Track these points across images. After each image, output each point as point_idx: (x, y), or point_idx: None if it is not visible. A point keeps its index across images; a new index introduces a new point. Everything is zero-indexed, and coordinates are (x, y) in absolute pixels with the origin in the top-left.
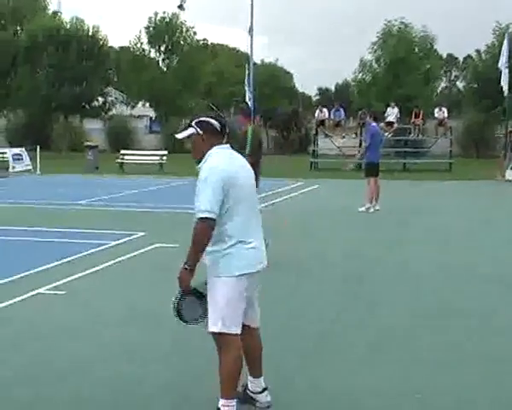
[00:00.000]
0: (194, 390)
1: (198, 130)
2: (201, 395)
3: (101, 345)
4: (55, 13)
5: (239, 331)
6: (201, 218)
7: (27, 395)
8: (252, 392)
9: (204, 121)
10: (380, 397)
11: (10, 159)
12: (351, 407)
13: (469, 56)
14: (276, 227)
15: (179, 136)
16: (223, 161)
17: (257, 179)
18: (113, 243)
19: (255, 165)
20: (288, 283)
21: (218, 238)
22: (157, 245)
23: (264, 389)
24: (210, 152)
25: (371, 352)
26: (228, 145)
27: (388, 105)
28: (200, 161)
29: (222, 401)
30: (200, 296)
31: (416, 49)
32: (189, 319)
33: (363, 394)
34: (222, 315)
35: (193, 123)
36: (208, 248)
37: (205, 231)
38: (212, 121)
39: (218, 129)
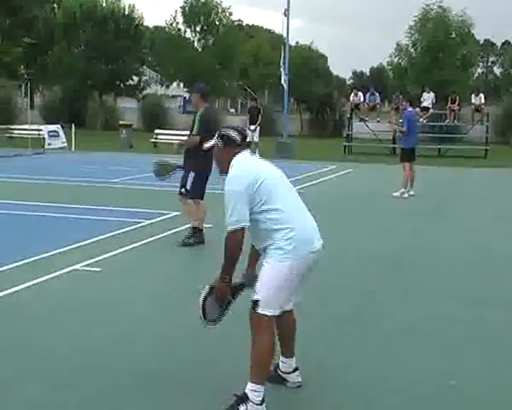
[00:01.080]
0: (227, 368)
1: (219, 143)
2: (235, 373)
3: (138, 321)
4: None
5: (275, 314)
6: (229, 231)
7: (63, 369)
8: (283, 372)
9: (225, 135)
10: (414, 384)
11: (46, 136)
12: (384, 390)
13: (507, 42)
14: (309, 210)
15: (205, 146)
16: (242, 167)
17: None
18: (147, 221)
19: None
20: (321, 264)
21: (266, 234)
22: (191, 224)
23: (296, 369)
24: (232, 163)
25: (405, 337)
26: (247, 150)
27: (424, 90)
28: (223, 172)
29: (250, 385)
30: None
31: (454, 34)
32: (209, 319)
33: (397, 379)
34: (262, 296)
35: (216, 135)
36: (260, 246)
37: (235, 243)
38: (233, 134)
39: (239, 142)
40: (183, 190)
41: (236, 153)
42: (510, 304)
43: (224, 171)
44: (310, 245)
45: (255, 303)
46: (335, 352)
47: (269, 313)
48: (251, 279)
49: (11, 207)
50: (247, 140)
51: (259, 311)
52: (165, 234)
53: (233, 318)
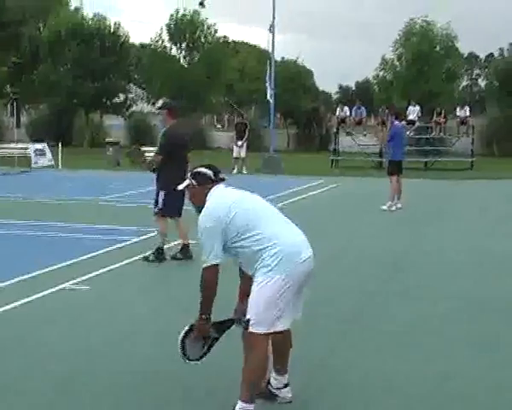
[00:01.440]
0: (219, 386)
1: (193, 182)
2: (226, 392)
3: (128, 338)
4: (77, 9)
5: (267, 332)
6: (203, 268)
7: (44, 390)
8: (274, 388)
9: (198, 173)
10: (414, 384)
11: (32, 154)
12: (385, 390)
13: (491, 55)
14: (298, 224)
15: (179, 187)
16: (213, 203)
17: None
18: (136, 238)
19: (170, 164)
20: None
21: (252, 257)
22: (179, 241)
23: (286, 385)
24: (206, 199)
25: (405, 337)
26: (222, 183)
27: (409, 103)
28: (200, 209)
29: (239, 405)
30: (207, 337)
31: (438, 47)
32: (191, 357)
33: (398, 379)
34: (252, 314)
35: (188, 175)
36: (252, 271)
37: (208, 279)
38: (205, 171)
39: (212, 177)
40: (156, 209)
41: (210, 188)
42: (509, 304)
43: (200, 208)
44: (297, 256)
45: (247, 322)
46: (336, 352)
47: (261, 331)
48: (241, 315)
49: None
50: (221, 176)
51: (251, 329)
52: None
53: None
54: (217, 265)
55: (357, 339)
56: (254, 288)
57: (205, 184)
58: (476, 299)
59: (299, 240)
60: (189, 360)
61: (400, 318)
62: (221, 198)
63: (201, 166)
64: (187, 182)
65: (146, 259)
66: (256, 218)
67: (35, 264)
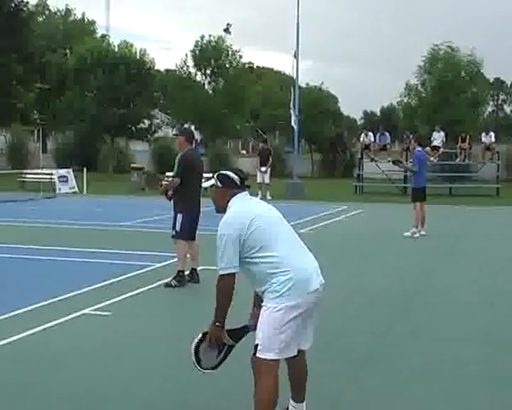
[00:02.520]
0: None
1: (218, 183)
2: None
3: (146, 366)
4: (103, 36)
5: (276, 358)
6: (220, 275)
7: None
8: None
9: (224, 175)
10: None
11: (56, 181)
12: None
13: None
14: (319, 251)
15: (204, 185)
16: (236, 212)
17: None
18: (158, 264)
19: (187, 187)
20: (332, 305)
21: (262, 279)
22: (202, 267)
23: None
24: (229, 204)
25: (418, 379)
26: (246, 192)
27: (434, 129)
28: (220, 211)
29: None
30: (222, 346)
31: (463, 74)
32: (205, 366)
33: None
34: (260, 340)
35: (215, 175)
36: (259, 290)
37: (224, 288)
38: (232, 175)
39: (238, 183)
40: (173, 232)
41: (234, 194)
42: None
43: (220, 210)
44: (307, 286)
45: (255, 348)
46: (347, 395)
47: (269, 357)
48: (256, 321)
49: (22, 251)
50: (246, 183)
51: (259, 355)
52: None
53: (244, 360)
54: (233, 274)
55: (368, 382)
56: (263, 313)
57: (229, 187)
58: (489, 340)
59: (311, 269)
60: (203, 368)
61: (412, 360)
62: (244, 208)
63: (229, 169)
64: (212, 181)
65: (168, 285)
66: (273, 239)
67: (57, 289)
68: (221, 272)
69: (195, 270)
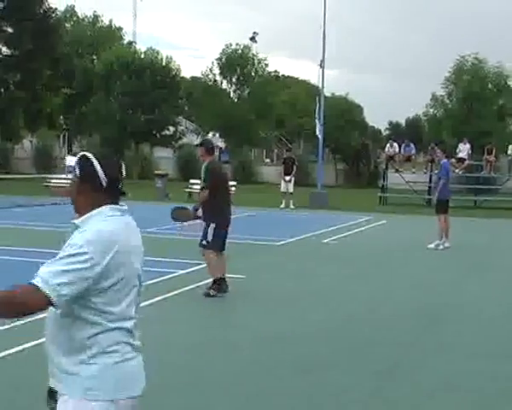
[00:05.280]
0: None
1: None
2: None
3: (171, 372)
4: (130, 43)
5: None
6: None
7: None
8: None
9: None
10: None
11: None
12: None
13: None
14: (343, 261)
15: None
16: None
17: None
18: (182, 271)
19: (216, 197)
20: (357, 317)
21: None
22: (226, 275)
23: None
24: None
25: (443, 393)
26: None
27: (460, 141)
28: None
29: None
30: None
31: (490, 85)
32: None
33: None
34: None
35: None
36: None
37: None
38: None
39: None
40: (204, 242)
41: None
42: None
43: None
44: None
45: None
46: (372, 407)
47: None
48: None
49: (47, 255)
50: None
51: None
52: (200, 283)
53: (255, 373)
54: None
55: (392, 394)
56: None
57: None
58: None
59: None
60: None
61: (438, 372)
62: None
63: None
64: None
65: (208, 295)
66: None
67: None
68: None
69: (224, 279)
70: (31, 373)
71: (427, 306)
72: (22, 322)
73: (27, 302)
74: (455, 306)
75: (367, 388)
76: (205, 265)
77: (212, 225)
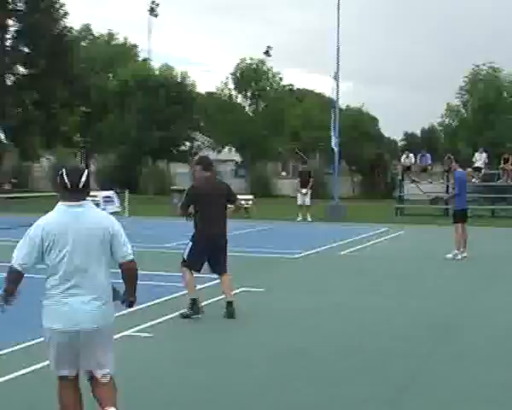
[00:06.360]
0: None
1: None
2: None
3: (186, 389)
4: (144, 60)
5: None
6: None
7: None
8: None
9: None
10: None
11: (101, 201)
12: None
13: None
14: (361, 273)
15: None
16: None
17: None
18: (199, 286)
19: (196, 215)
20: (373, 327)
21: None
22: (243, 289)
23: None
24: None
25: (458, 403)
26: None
27: (476, 150)
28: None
29: None
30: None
31: (505, 94)
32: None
33: None
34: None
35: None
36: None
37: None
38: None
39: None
40: (183, 257)
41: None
42: None
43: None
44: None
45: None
46: None
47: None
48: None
49: None
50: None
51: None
52: (217, 298)
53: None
54: None
55: (408, 406)
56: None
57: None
58: None
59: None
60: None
61: (454, 383)
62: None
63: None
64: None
65: (183, 316)
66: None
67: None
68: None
69: (230, 303)
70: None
71: (443, 316)
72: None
73: None
74: (471, 316)
75: (384, 400)
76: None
77: (190, 243)
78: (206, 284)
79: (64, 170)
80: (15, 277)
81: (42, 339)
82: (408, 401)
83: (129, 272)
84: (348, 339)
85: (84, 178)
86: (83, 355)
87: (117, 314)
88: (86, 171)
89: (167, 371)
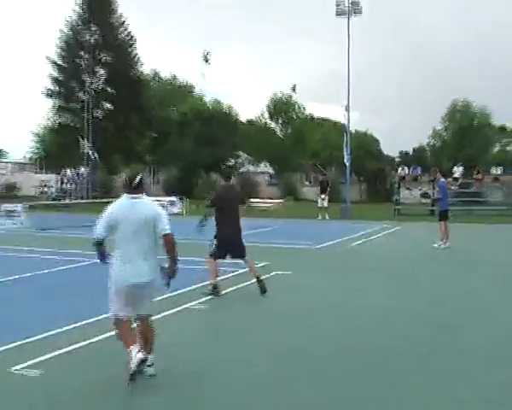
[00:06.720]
0: None
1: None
2: None
3: (240, 350)
4: (200, 96)
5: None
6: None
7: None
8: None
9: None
10: None
11: (166, 204)
12: None
13: None
14: (366, 261)
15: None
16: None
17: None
18: (242, 270)
19: (223, 213)
20: (370, 330)
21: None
22: (277, 272)
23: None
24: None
25: (457, 404)
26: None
27: (455, 164)
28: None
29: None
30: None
31: (476, 122)
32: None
33: None
34: None
35: None
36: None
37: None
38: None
39: (127, 183)
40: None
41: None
42: None
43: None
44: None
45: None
46: None
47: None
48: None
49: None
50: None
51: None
52: (245, 284)
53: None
54: None
55: (408, 405)
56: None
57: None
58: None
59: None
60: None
61: (453, 384)
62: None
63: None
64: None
65: (205, 293)
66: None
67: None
68: (171, 232)
69: (259, 279)
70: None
71: (442, 315)
72: None
73: None
74: (457, 294)
75: (383, 399)
76: (259, 265)
77: (214, 240)
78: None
79: (125, 175)
80: (97, 243)
81: (106, 314)
82: (407, 399)
83: (167, 243)
84: (345, 337)
85: (137, 181)
86: (137, 302)
87: (179, 291)
88: (139, 176)
89: (223, 334)
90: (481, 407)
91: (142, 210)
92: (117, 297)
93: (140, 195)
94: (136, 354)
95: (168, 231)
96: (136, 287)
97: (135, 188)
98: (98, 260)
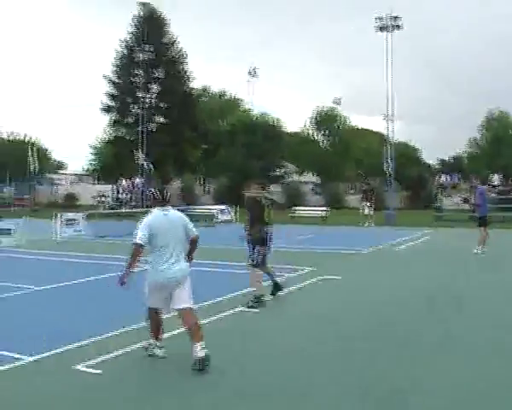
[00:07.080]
0: None
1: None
2: None
3: (284, 354)
4: (248, 110)
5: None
6: (197, 234)
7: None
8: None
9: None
10: None
11: (218, 213)
12: None
13: None
14: (413, 261)
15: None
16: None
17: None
18: (287, 274)
19: (253, 216)
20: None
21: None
22: (325, 277)
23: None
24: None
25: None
26: (161, 207)
27: (492, 172)
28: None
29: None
30: None
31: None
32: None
33: None
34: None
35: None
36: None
37: (134, 251)
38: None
39: (160, 197)
40: (252, 262)
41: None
42: None
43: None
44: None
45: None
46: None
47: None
48: None
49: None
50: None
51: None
52: (304, 284)
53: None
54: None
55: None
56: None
57: (154, 201)
58: None
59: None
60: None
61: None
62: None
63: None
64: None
65: (249, 307)
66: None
67: (222, 291)
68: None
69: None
70: None
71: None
72: None
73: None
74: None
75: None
76: (305, 270)
77: (257, 247)
78: (297, 273)
79: (154, 190)
80: (137, 248)
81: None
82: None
83: (192, 241)
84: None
85: (168, 195)
86: (173, 296)
87: (230, 295)
88: (167, 190)
89: (271, 337)
90: (482, 407)
91: (174, 219)
92: (156, 292)
93: (169, 207)
94: (199, 349)
95: (196, 233)
96: (175, 281)
97: (165, 201)
98: (117, 281)
